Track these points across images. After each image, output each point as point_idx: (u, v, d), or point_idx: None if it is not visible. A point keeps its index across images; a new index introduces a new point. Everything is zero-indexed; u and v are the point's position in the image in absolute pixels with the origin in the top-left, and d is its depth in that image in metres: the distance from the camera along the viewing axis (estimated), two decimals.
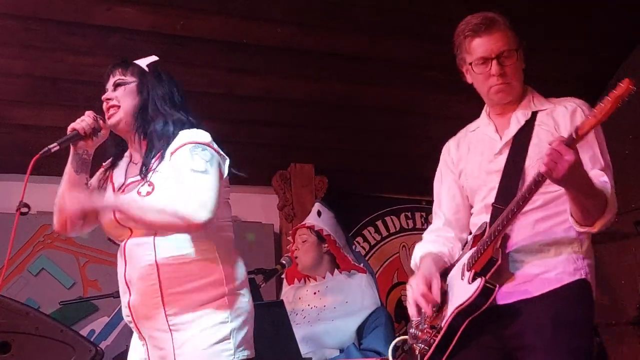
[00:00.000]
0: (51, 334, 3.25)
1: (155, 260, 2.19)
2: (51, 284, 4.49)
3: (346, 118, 4.88)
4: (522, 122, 2.29)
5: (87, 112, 2.30)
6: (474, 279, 2.15)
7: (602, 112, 1.87)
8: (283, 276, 3.94)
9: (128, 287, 2.25)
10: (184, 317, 2.18)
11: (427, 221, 5.38)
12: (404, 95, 4.78)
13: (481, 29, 2.26)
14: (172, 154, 2.20)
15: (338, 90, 4.67)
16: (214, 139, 2.28)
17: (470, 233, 2.39)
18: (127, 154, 2.41)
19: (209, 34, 4.15)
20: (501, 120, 2.36)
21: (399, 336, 3.99)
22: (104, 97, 2.34)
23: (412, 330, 2.34)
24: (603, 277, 3.86)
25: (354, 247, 3.94)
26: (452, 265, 2.34)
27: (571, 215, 2.11)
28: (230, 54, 4.30)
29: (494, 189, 2.28)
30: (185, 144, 2.19)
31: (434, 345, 2.22)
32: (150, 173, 2.23)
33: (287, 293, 3.85)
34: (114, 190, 2.33)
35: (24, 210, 2.16)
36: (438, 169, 2.54)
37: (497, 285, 2.13)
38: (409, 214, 5.60)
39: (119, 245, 2.31)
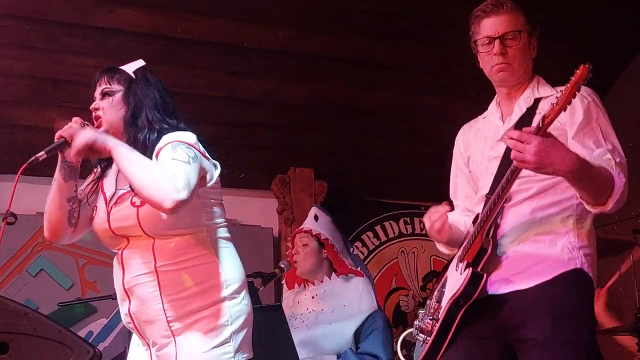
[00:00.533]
0: (49, 334, 3.24)
1: (155, 267, 2.18)
2: (50, 284, 4.49)
3: (346, 122, 4.89)
4: (524, 109, 2.31)
5: (74, 119, 2.24)
6: (465, 269, 2.18)
7: (562, 98, 1.92)
8: (283, 281, 3.94)
9: (127, 295, 2.24)
10: (185, 321, 2.17)
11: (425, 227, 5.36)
12: (404, 100, 4.78)
13: (491, 9, 2.30)
14: (156, 155, 2.17)
15: (338, 94, 4.68)
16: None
17: None
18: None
19: (209, 36, 4.16)
20: (507, 108, 2.37)
21: (397, 339, 4.02)
22: (91, 107, 2.31)
23: (417, 322, 2.39)
24: (601, 284, 3.85)
25: (352, 250, 3.94)
26: (452, 259, 2.37)
27: (581, 199, 2.10)
28: (231, 57, 4.30)
29: (493, 175, 2.29)
30: (168, 143, 2.16)
31: (432, 335, 2.25)
32: None
33: (288, 297, 3.85)
34: (105, 200, 2.29)
35: (11, 220, 2.13)
36: (453, 154, 2.57)
37: (485, 274, 2.15)
38: (407, 219, 5.60)
39: (115, 253, 2.29)
